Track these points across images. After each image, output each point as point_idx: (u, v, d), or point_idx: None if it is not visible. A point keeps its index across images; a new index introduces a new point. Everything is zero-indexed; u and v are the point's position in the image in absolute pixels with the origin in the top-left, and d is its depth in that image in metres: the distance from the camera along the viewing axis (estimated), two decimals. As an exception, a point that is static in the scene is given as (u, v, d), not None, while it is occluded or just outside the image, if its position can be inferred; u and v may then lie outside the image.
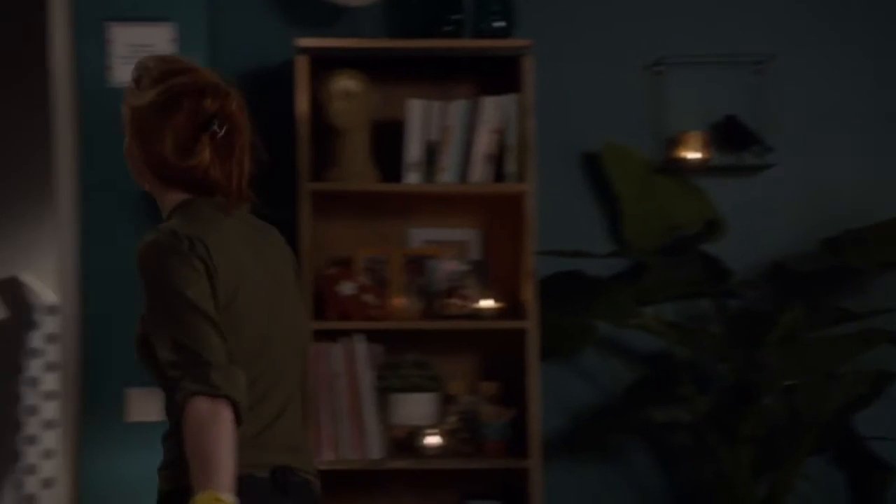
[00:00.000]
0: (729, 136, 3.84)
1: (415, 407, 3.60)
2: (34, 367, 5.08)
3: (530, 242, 3.55)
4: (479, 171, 3.57)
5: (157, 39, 3.51)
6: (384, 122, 3.63)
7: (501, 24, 3.64)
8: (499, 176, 3.58)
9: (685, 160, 3.78)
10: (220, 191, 2.18)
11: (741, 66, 3.87)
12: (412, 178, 3.57)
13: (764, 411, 3.56)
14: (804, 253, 3.84)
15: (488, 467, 3.57)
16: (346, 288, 3.53)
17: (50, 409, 5.07)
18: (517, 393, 3.58)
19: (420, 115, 3.57)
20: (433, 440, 3.52)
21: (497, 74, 3.68)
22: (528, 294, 3.53)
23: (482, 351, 3.75)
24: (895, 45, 3.96)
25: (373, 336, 3.56)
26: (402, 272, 3.64)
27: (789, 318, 3.51)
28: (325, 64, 3.54)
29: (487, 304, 3.57)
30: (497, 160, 3.57)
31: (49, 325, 5.03)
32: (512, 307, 3.62)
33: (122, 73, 3.49)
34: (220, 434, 2.00)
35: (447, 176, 3.57)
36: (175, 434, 2.12)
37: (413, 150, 3.57)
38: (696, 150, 3.78)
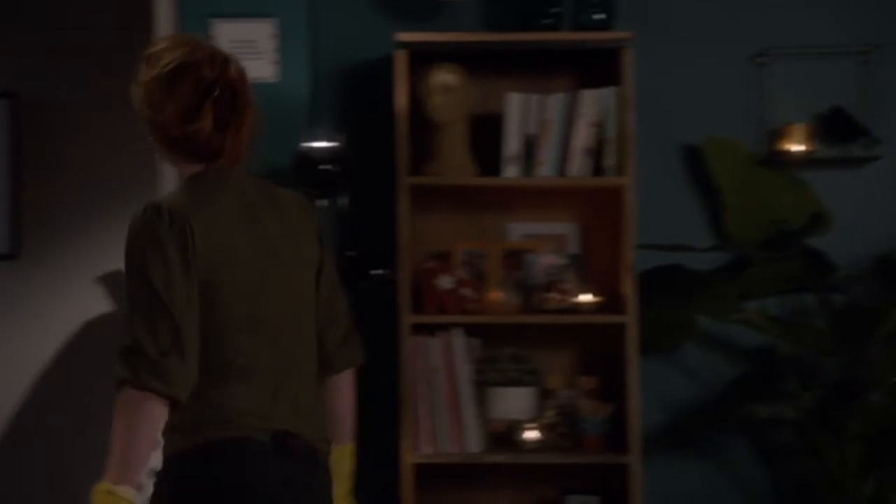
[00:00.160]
0: (835, 127, 3.76)
1: (513, 401, 3.60)
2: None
3: (630, 236, 3.52)
4: (578, 165, 3.55)
5: (259, 35, 3.55)
6: (483, 116, 3.63)
7: (601, 16, 3.61)
8: (597, 169, 3.55)
9: (789, 152, 3.72)
10: (222, 155, 2.31)
11: (847, 56, 3.79)
12: (510, 172, 3.56)
13: (871, 408, 3.49)
14: (912, 247, 3.76)
15: (587, 462, 3.55)
16: (445, 282, 3.54)
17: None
18: (616, 388, 3.56)
19: (518, 109, 3.56)
20: (532, 434, 3.52)
21: (596, 67, 3.65)
22: (628, 288, 3.50)
23: (580, 345, 3.73)
24: None
25: (470, 330, 3.57)
26: (500, 266, 3.64)
27: (896, 313, 3.44)
28: (424, 58, 3.55)
29: (586, 298, 3.55)
30: (596, 154, 3.55)
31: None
32: (611, 301, 3.59)
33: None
34: (136, 426, 2.10)
35: (545, 170, 3.55)
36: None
37: (511, 143, 3.56)
38: (800, 142, 3.72)
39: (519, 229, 3.75)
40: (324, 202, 3.56)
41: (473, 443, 3.51)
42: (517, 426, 3.54)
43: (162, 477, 2.25)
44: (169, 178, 3.57)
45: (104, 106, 4.77)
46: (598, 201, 3.70)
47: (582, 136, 3.54)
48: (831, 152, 3.78)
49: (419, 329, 3.51)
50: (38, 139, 4.99)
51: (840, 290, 3.64)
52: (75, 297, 4.81)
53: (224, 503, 2.20)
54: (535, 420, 3.56)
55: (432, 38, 3.56)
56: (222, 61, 2.32)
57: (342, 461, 2.53)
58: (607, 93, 3.54)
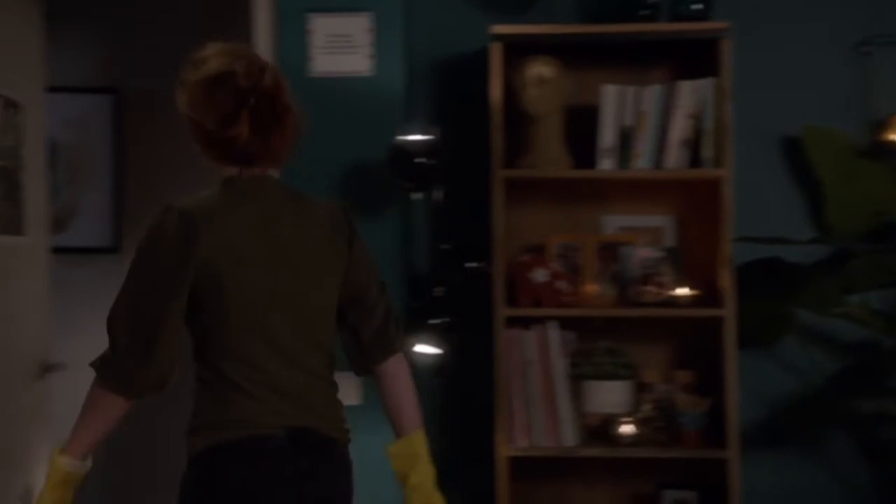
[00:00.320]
0: (940, 117, 3.67)
1: (609, 394, 3.58)
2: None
3: (727, 229, 3.48)
4: (675, 157, 3.51)
5: (355, 29, 3.58)
6: (578, 108, 3.62)
7: (699, 6, 3.57)
8: (695, 161, 3.51)
9: (893, 143, 3.64)
10: (257, 160, 2.43)
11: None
12: (606, 165, 3.54)
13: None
14: None
15: (684, 457, 3.52)
16: (539, 275, 3.53)
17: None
18: (713, 382, 3.52)
19: (614, 101, 3.54)
20: (628, 428, 3.50)
21: (693, 58, 3.61)
22: (726, 281, 3.46)
23: (676, 339, 3.70)
24: None
25: (565, 323, 3.55)
26: (596, 259, 3.62)
27: None
28: (518, 50, 3.54)
29: (683, 291, 3.51)
30: (693, 145, 3.51)
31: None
32: (708, 295, 3.55)
33: (322, 63, 3.57)
34: (90, 412, 2.37)
35: (642, 162, 3.52)
36: (194, 401, 2.42)
37: (607, 135, 3.54)
38: (904, 132, 3.64)
39: (614, 222, 3.73)
40: (418, 195, 3.57)
41: (569, 436, 3.50)
42: (613, 420, 3.53)
43: (184, 478, 2.39)
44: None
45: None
46: (695, 193, 3.66)
47: (679, 128, 3.50)
48: (937, 143, 3.69)
49: (513, 322, 3.50)
50: (138, 134, 5.10)
51: (946, 283, 3.56)
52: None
53: (242, 499, 2.32)
54: (630, 414, 3.54)
55: (528, 30, 3.55)
56: (259, 71, 2.41)
57: (408, 450, 2.56)
58: (705, 83, 3.49)
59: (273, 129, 2.41)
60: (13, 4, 3.69)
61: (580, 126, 3.59)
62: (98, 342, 2.42)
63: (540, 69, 3.51)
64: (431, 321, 3.44)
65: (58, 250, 4.34)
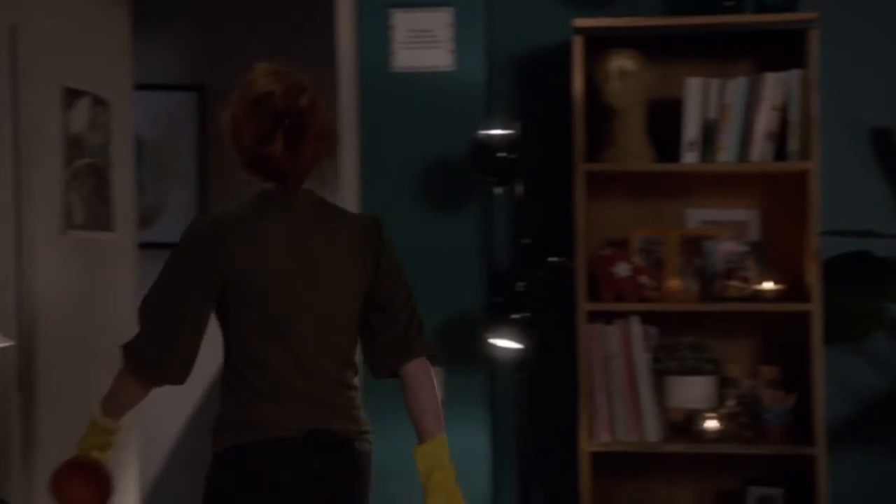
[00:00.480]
0: None
1: (692, 390, 3.55)
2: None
3: (814, 222, 3.43)
4: (760, 150, 3.47)
5: (436, 24, 3.59)
6: (660, 101, 3.59)
7: (785, -4, 3.52)
8: (780, 154, 3.47)
9: (985, 134, 3.56)
10: (291, 176, 2.53)
11: None
12: (689, 158, 3.50)
13: None
14: None
15: (770, 453, 3.48)
16: (622, 269, 3.51)
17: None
18: (799, 377, 3.47)
19: (698, 94, 3.50)
20: (712, 424, 3.46)
21: (778, 49, 3.56)
22: (812, 276, 3.41)
23: (761, 334, 3.65)
24: None
25: (647, 318, 3.53)
26: (679, 253, 3.59)
27: None
28: (600, 44, 3.53)
29: (768, 285, 3.47)
30: (778, 138, 3.46)
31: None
32: (794, 289, 3.50)
33: (403, 58, 3.59)
34: (116, 388, 2.58)
35: (726, 155, 3.48)
36: (220, 402, 2.56)
37: (690, 129, 3.50)
38: None
39: (697, 216, 3.69)
40: (500, 190, 3.57)
41: (652, 431, 3.48)
42: (696, 415, 3.49)
43: (208, 473, 2.53)
44: (348, 172, 3.65)
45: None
46: (781, 187, 3.61)
47: (764, 121, 3.46)
48: None
49: (595, 317, 3.49)
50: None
51: None
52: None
53: (259, 495, 2.46)
54: (715, 409, 3.51)
55: (610, 23, 3.53)
56: (296, 93, 2.52)
57: (431, 453, 2.58)
58: (791, 75, 3.45)
59: (305, 149, 2.52)
60: (102, 4, 3.76)
61: (663, 119, 3.56)
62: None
63: (622, 62, 3.49)
64: (513, 316, 3.44)
65: (144, 245, 4.41)
